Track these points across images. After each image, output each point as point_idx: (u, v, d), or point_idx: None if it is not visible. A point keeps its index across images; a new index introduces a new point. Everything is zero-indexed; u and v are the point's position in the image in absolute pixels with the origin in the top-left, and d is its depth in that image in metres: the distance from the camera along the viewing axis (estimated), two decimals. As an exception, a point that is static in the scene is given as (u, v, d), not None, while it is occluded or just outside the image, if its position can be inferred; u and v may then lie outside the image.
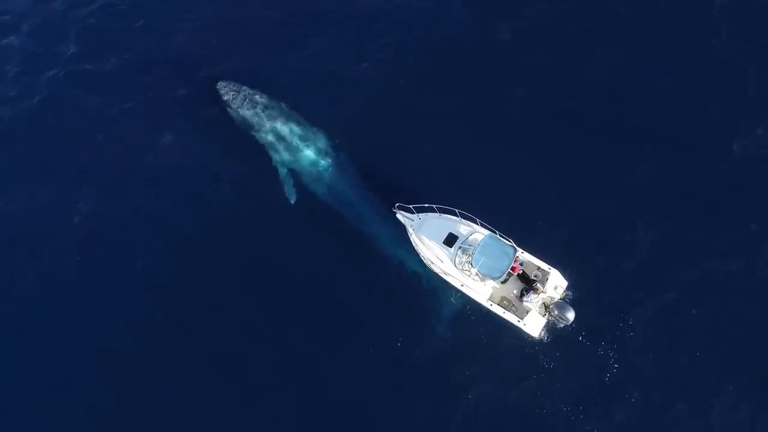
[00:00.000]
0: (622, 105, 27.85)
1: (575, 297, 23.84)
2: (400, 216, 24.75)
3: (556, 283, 23.62)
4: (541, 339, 23.43)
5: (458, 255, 23.42)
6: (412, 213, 24.67)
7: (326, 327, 25.01)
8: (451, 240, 23.93)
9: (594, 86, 28.37)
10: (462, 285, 23.67)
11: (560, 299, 23.39)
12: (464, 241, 23.65)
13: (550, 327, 23.61)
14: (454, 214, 24.34)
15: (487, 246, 22.78)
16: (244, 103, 28.95)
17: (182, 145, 29.34)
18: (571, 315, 22.77)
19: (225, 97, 29.25)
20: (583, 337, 23.54)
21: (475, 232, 23.86)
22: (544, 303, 23.40)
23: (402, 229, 24.95)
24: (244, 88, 29.41)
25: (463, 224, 24.22)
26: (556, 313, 22.96)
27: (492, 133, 27.61)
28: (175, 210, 27.91)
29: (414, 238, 24.31)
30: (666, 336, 23.66)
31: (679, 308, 24.01)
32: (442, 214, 24.51)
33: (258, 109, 28.79)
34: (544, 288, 23.30)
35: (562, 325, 23.17)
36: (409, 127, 28.05)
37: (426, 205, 24.42)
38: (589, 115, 27.62)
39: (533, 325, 23.12)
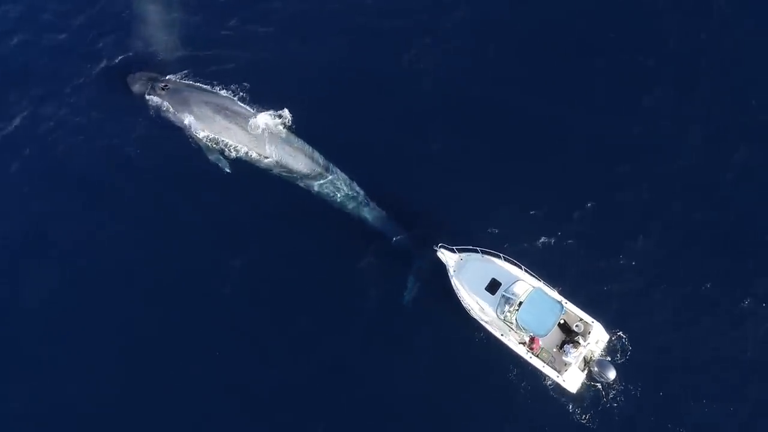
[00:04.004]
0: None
1: (631, 356, 22.92)
2: (441, 255, 23.61)
3: (598, 337, 22.80)
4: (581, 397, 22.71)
5: (501, 304, 22.46)
6: (454, 253, 23.54)
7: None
8: (494, 286, 22.92)
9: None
10: (502, 335, 22.81)
11: (601, 356, 22.66)
12: (507, 288, 22.62)
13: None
14: (499, 258, 23.25)
15: (533, 301, 21.91)
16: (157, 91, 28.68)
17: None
18: (612, 374, 22.07)
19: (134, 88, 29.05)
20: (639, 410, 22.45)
21: (520, 280, 22.82)
22: (584, 357, 22.66)
23: None
24: (155, 76, 29.08)
25: (508, 269, 23.14)
26: (596, 370, 22.27)
27: (543, 175, 26.35)
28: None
29: (454, 282, 23.28)
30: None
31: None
32: (485, 256, 23.39)
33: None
34: (585, 342, 22.49)
35: (601, 383, 22.53)
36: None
37: (469, 246, 23.26)
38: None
39: (572, 380, 22.43)
